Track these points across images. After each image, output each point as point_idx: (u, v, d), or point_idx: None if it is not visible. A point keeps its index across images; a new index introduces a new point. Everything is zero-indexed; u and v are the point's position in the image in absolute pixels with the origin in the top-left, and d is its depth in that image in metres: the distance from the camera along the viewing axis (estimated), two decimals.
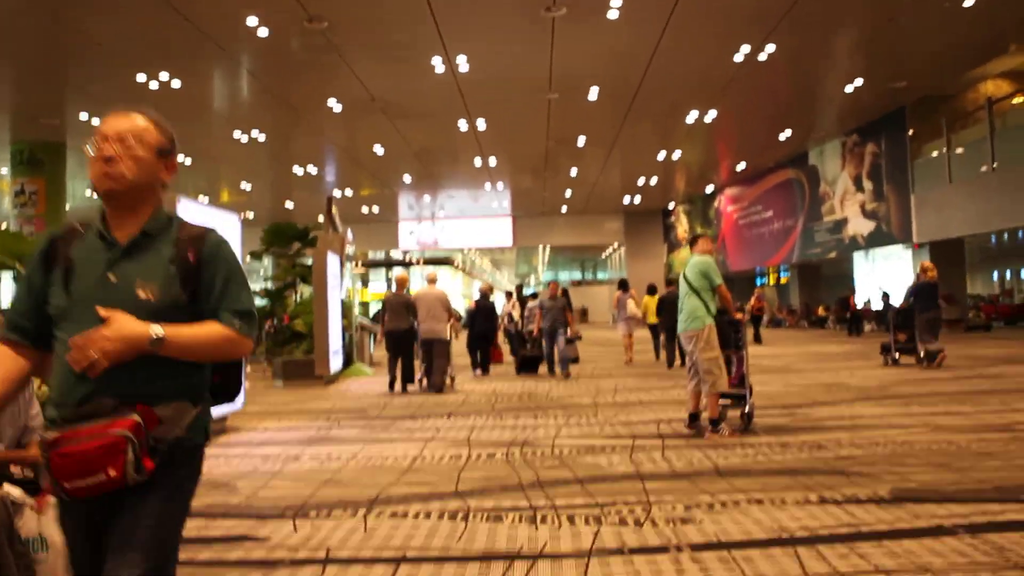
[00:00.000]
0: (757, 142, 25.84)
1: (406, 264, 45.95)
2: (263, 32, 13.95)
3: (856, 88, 20.20)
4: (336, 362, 12.70)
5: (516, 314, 15.85)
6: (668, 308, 15.43)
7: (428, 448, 6.59)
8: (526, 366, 13.91)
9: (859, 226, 24.46)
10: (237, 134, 22.55)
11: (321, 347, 11.92)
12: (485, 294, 14.56)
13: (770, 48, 16.46)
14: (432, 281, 11.65)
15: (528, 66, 17.66)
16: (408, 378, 11.31)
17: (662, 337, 14.92)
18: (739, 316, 7.46)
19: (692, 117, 22.12)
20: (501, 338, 16.34)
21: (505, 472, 5.60)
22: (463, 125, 22.11)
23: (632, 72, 18.23)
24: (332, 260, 12.84)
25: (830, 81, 20.13)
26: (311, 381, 12.03)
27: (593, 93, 19.67)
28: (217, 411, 7.32)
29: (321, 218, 18.68)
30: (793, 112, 22.91)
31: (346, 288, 15.24)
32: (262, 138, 22.97)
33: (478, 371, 13.79)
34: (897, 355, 12.35)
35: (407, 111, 20.53)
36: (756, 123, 23.49)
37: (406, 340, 11.18)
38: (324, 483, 5.42)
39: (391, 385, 11.24)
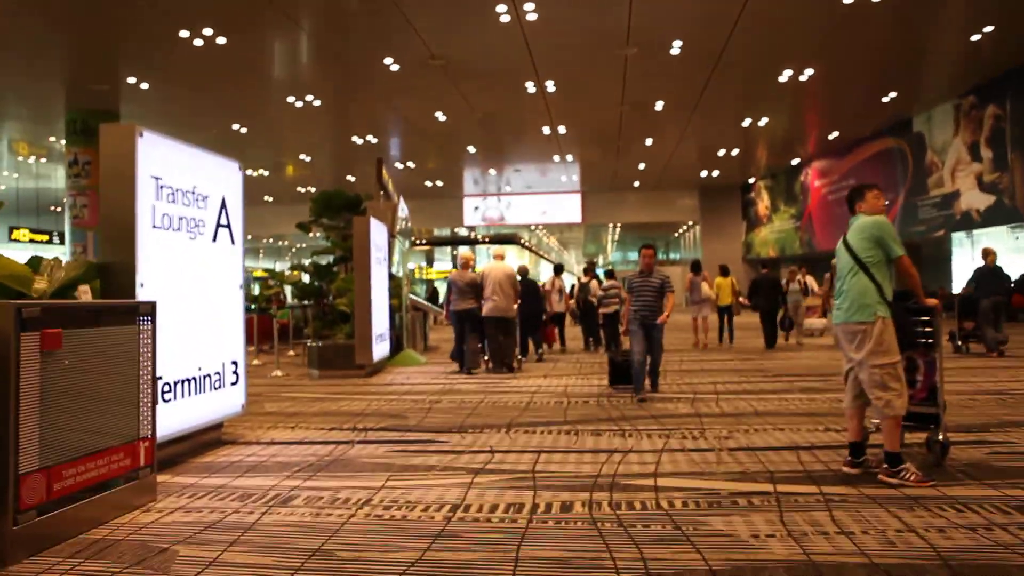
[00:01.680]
0: (856, 106, 22.85)
1: (471, 242, 44.10)
2: None
3: (981, 37, 17.22)
4: (382, 349, 10.78)
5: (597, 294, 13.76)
6: (765, 291, 14.64)
7: (473, 492, 4.47)
8: (619, 377, 8.82)
9: (974, 200, 21.35)
10: (291, 99, 20.85)
11: (362, 331, 10.00)
12: (525, 272, 12.85)
13: None
14: (500, 257, 11.05)
15: (604, 14, 15.36)
16: (475, 362, 10.79)
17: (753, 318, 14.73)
18: (931, 302, 5.10)
19: (785, 76, 19.41)
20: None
21: (587, 544, 3.50)
22: (531, 87, 19.90)
23: (721, 20, 15.71)
24: (378, 230, 10.89)
25: (952, 28, 17.18)
26: (351, 371, 10.15)
27: (676, 47, 17.22)
28: (214, 413, 5.20)
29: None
30: (902, 69, 19.92)
31: (398, 263, 13.30)
32: (317, 103, 21.20)
33: (523, 358, 11.81)
34: (961, 343, 11.95)
35: (470, 70, 18.43)
36: (858, 83, 20.57)
37: (473, 321, 10.63)
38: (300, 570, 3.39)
39: (460, 365, 10.81)
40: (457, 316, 10.66)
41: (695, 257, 39.50)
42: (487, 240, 43.36)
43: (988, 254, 11.62)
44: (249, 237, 43.65)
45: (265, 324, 14.68)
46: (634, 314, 8.14)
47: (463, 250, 15.10)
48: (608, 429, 6.26)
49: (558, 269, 13.65)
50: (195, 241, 5.42)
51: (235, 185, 6.11)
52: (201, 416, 5.45)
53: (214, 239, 5.69)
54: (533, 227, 40.79)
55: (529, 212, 37.41)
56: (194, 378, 5.37)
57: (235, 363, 5.96)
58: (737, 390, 8.35)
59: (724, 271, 15.33)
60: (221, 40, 15.89)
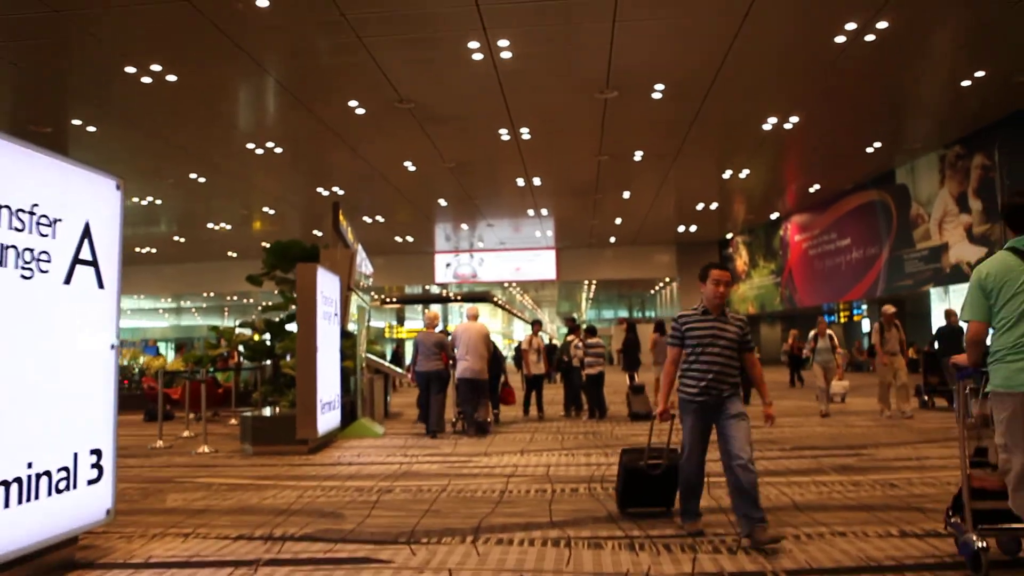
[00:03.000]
0: (839, 157, 21.85)
1: (442, 300, 42.48)
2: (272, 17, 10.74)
3: (971, 83, 16.31)
4: (330, 419, 9.03)
5: (579, 354, 12.16)
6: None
7: None
8: (637, 494, 5.28)
9: (964, 252, 20.25)
10: (250, 145, 19.36)
11: (305, 399, 8.29)
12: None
13: (881, 25, 12.72)
14: (473, 317, 10.58)
15: (583, 55, 14.18)
16: (440, 425, 10.08)
17: None
18: None
19: (769, 124, 18.34)
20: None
21: None
22: (504, 134, 18.62)
23: (705, 65, 14.60)
24: (328, 281, 9.26)
25: (942, 74, 16.24)
26: (292, 447, 8.38)
27: (658, 91, 16.06)
28: (57, 525, 3.29)
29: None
30: (886, 118, 18.96)
31: (356, 320, 11.65)
32: (279, 150, 19.73)
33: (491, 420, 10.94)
34: (927, 397, 12.53)
35: (440, 115, 17.10)
36: (841, 133, 19.56)
37: (437, 381, 10.11)
38: None
39: (427, 429, 10.01)
40: (423, 377, 10.11)
41: (673, 315, 38.19)
42: (459, 298, 41.78)
43: (951, 315, 12.24)
44: (211, 294, 41.90)
45: (206, 389, 12.82)
46: (693, 385, 4.64)
47: (431, 309, 13.84)
48: (610, 537, 4.58)
49: (536, 326, 12.03)
50: (30, 281, 3.77)
51: (108, 209, 4.48)
52: (30, 533, 3.72)
53: (67, 280, 4.03)
54: (506, 285, 39.33)
55: (502, 269, 35.96)
56: (18, 479, 3.65)
57: (97, 452, 4.25)
58: (757, 470, 6.59)
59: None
60: (171, 78, 14.47)
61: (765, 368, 5.79)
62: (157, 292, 39.66)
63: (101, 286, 4.33)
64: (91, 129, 17.50)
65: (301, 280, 8.48)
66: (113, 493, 4.39)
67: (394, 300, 42.54)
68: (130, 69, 14.04)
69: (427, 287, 40.32)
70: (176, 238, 31.27)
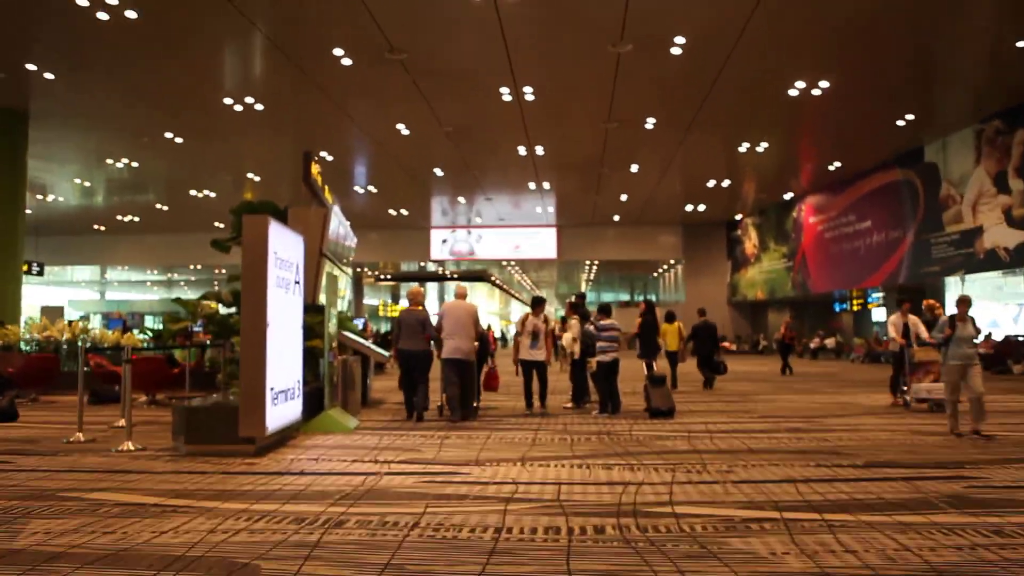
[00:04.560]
0: (866, 130, 19.94)
1: (438, 278, 40.60)
2: None
3: (1017, 50, 14.45)
4: (287, 411, 7.18)
5: (567, 338, 10.29)
6: (702, 338, 14.40)
7: None
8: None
9: (1002, 236, 18.41)
10: (228, 101, 17.41)
11: (252, 387, 6.45)
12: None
13: None
14: (462, 295, 9.94)
15: (596, 1, 12.30)
16: (423, 405, 9.35)
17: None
18: None
19: (795, 90, 16.44)
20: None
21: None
22: (506, 93, 16.68)
23: (734, 11, 12.71)
24: (286, 241, 7.39)
25: (984, 39, 14.34)
26: (236, 446, 6.56)
27: (677, 46, 14.16)
28: None
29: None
30: (921, 88, 17.05)
31: (327, 292, 9.79)
32: (259, 107, 17.78)
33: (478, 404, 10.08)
34: (905, 390, 11.11)
35: (435, 69, 15.16)
36: (871, 103, 17.63)
37: (421, 362, 9.40)
38: None
39: (408, 413, 9.49)
40: (403, 357, 9.34)
41: (677, 300, 36.36)
42: (455, 276, 39.89)
43: (932, 308, 11.61)
44: (199, 267, 39.86)
45: (156, 369, 10.98)
46: None
47: (412, 285, 12.26)
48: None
49: (539, 305, 10.09)
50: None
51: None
52: None
53: None
54: (505, 263, 37.44)
55: (501, 247, 34.08)
56: None
57: None
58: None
59: (670, 318, 14.66)
60: (131, 15, 12.59)
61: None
62: (142, 263, 37.71)
63: None
64: (48, 76, 15.54)
65: (248, 236, 6.61)
66: None
67: (387, 277, 40.65)
68: (82, 2, 12.14)
69: (422, 264, 38.41)
70: (159, 206, 29.29)
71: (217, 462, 6.28)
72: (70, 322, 13.88)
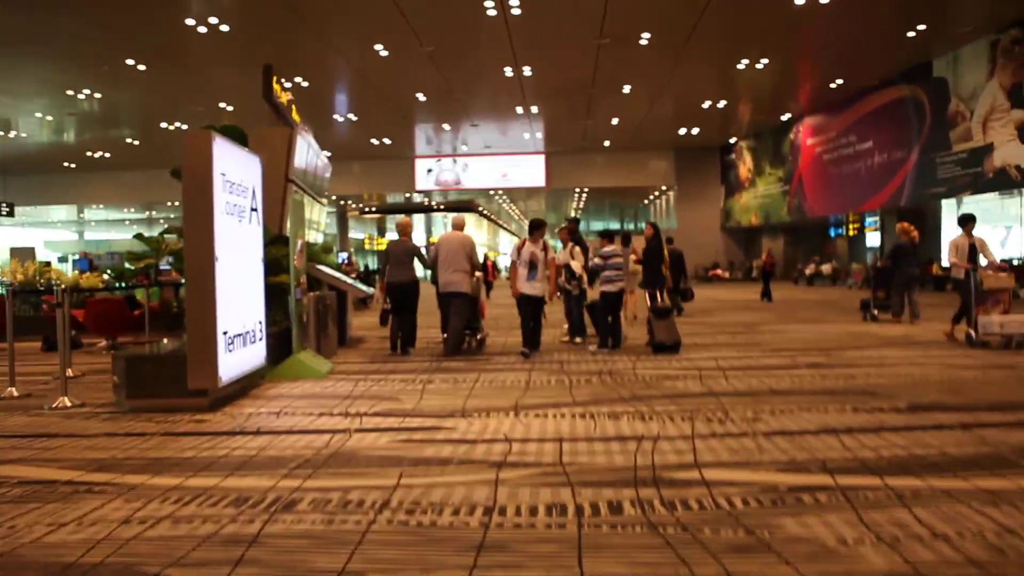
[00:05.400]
0: (873, 43, 18.67)
1: (425, 209, 39.36)
2: None
3: None
4: (247, 356, 6.25)
5: (577, 265, 9.28)
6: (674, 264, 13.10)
7: None
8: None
9: (1014, 154, 17.43)
10: (190, 22, 15.96)
11: (200, 332, 5.52)
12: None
13: None
14: (459, 226, 9.21)
15: None
16: (409, 340, 9.12)
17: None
18: None
19: None
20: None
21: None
22: (491, 7, 15.31)
23: None
24: (239, 161, 6.32)
25: None
26: (186, 399, 5.66)
27: None
28: None
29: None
30: None
31: (293, 222, 8.75)
32: (225, 28, 16.35)
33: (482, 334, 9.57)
34: (876, 312, 12.37)
35: None
36: (884, 8, 16.37)
37: (410, 294, 9.05)
38: None
39: (392, 346, 9.17)
40: (391, 289, 8.98)
41: (669, 227, 35.32)
42: (441, 207, 38.68)
43: (907, 231, 12.04)
44: (178, 203, 38.48)
45: (114, 311, 10.00)
46: None
47: (400, 216, 11.51)
48: None
49: (538, 229, 8.88)
50: None
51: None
52: None
53: None
54: (492, 192, 36.22)
55: (488, 175, 32.85)
56: None
57: None
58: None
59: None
60: None
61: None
62: (118, 201, 36.27)
63: None
64: None
65: (190, 156, 5.54)
66: None
67: (372, 209, 39.39)
68: None
69: (408, 195, 37.15)
70: (129, 140, 27.79)
71: (162, 420, 5.37)
72: (24, 263, 12.79)
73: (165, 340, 8.05)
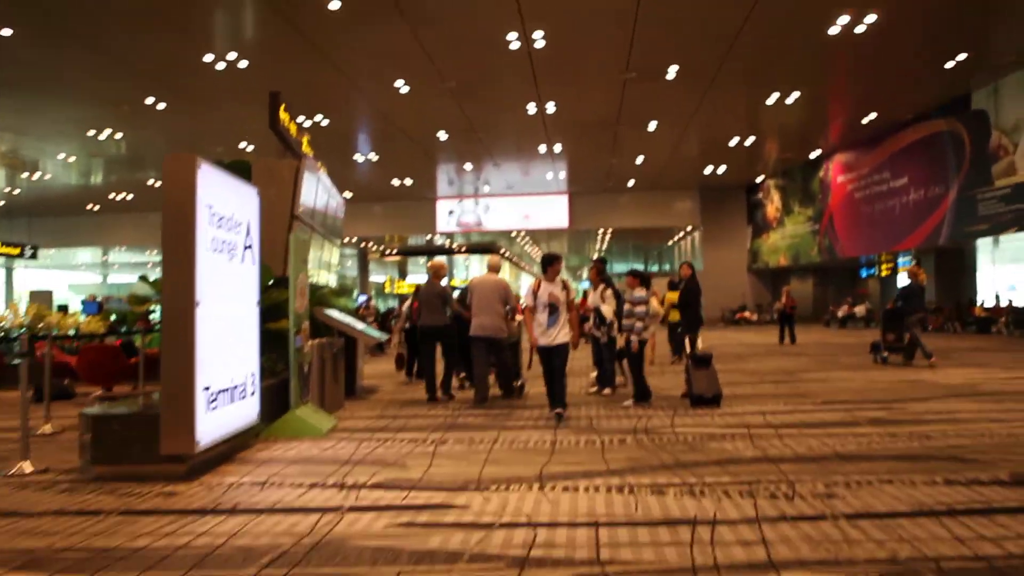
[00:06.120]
0: (910, 75, 17.83)
1: (445, 251, 38.79)
2: None
3: None
4: (235, 414, 5.48)
5: (608, 310, 8.43)
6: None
7: None
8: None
9: None
10: (208, 58, 15.60)
11: (175, 388, 4.75)
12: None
13: None
14: (494, 268, 8.84)
15: None
16: (446, 385, 8.95)
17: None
18: None
19: (839, 25, 14.43)
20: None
21: None
22: (514, 39, 14.78)
23: None
24: (225, 191, 5.61)
25: None
26: (160, 466, 4.88)
27: None
28: None
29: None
30: (978, 21, 15.05)
31: (298, 264, 8.03)
32: (243, 64, 15.98)
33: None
34: (886, 354, 12.23)
35: (432, 9, 13.29)
36: (922, 39, 15.61)
37: (441, 337, 8.93)
38: None
39: (431, 396, 8.74)
40: (422, 333, 8.95)
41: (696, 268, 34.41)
42: (463, 249, 38.07)
43: (915, 273, 12.14)
44: None
45: (108, 358, 9.28)
46: None
47: (436, 259, 11.02)
48: None
49: (554, 263, 7.65)
50: None
51: None
52: None
53: None
54: (514, 234, 35.59)
55: (510, 216, 32.23)
56: None
57: None
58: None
59: (673, 285, 13.76)
60: None
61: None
62: (141, 243, 36.09)
63: None
64: (5, 33, 13.80)
65: (169, 184, 4.85)
66: None
67: (394, 252, 38.90)
68: None
69: (429, 237, 36.60)
70: (151, 182, 27.59)
71: (127, 492, 4.58)
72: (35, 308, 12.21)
73: (156, 394, 7.31)
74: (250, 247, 5.96)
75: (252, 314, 6.02)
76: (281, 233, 7.78)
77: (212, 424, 5.07)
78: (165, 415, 4.79)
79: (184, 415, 4.77)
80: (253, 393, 5.94)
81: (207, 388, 5.00)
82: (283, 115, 8.09)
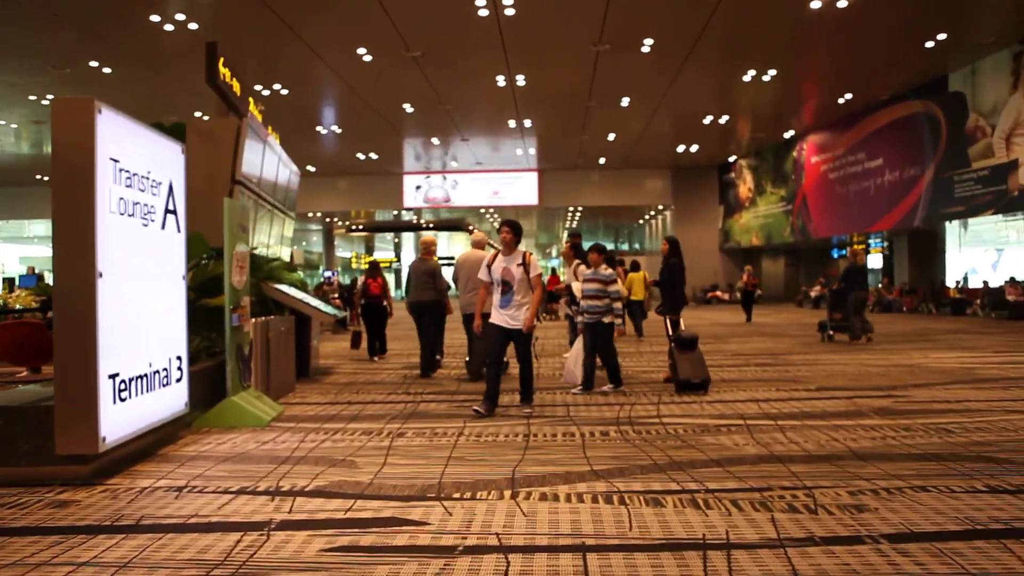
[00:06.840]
0: (889, 54, 17.33)
1: (413, 227, 37.80)
2: None
3: None
4: (152, 406, 4.66)
5: (577, 287, 7.74)
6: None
7: None
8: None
9: None
10: (155, 17, 14.45)
11: (73, 378, 3.92)
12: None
13: None
14: (479, 244, 8.61)
15: None
16: (431, 363, 8.64)
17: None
18: None
19: (819, 1, 13.81)
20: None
21: None
22: (482, 5, 13.89)
23: None
24: (139, 144, 4.72)
25: None
26: (59, 467, 4.06)
27: None
28: None
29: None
30: (958, 4, 14.58)
31: (228, 228, 7.17)
32: (193, 26, 14.85)
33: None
34: (832, 332, 12.44)
35: None
36: (903, 17, 15.05)
37: (427, 313, 8.60)
38: None
39: (423, 370, 8.61)
40: (414, 309, 8.78)
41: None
42: (430, 225, 37.14)
43: (857, 254, 13.06)
44: None
45: (28, 335, 8.34)
46: None
47: (426, 235, 10.53)
48: None
49: (511, 228, 6.53)
50: None
51: None
52: None
53: None
54: (483, 210, 34.74)
55: (478, 193, 31.39)
56: None
57: None
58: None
59: (635, 266, 14.60)
60: None
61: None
62: None
63: None
64: None
65: (59, 132, 3.97)
66: None
67: (360, 228, 37.81)
68: None
69: (396, 213, 35.58)
70: None
71: (11, 501, 3.75)
72: None
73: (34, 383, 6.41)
74: (174, 211, 5.08)
75: (178, 289, 5.17)
76: (220, 200, 6.90)
77: (123, 417, 4.23)
78: (60, 409, 3.95)
79: (84, 408, 3.93)
80: (179, 379, 5.10)
81: (114, 376, 4.16)
82: (223, 70, 7.17)
